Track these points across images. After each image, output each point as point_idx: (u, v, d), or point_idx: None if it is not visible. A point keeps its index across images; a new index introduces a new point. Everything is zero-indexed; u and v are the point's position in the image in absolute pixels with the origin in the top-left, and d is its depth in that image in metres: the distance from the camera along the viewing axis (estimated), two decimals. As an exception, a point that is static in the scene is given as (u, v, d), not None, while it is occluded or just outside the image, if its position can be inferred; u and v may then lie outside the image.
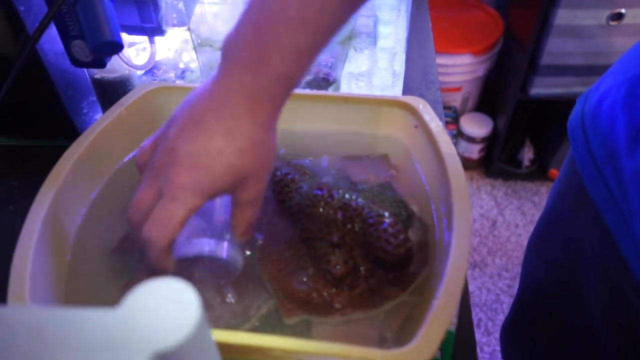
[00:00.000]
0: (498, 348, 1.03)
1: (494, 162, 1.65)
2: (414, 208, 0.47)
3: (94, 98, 0.63)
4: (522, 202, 1.60)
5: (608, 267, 0.52)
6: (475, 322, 1.31)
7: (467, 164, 1.69)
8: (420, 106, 0.49)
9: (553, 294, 0.65)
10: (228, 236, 0.43)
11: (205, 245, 0.42)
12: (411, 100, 0.50)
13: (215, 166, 0.37)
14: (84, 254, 0.46)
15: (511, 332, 0.79)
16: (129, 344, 0.23)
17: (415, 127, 0.50)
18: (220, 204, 0.45)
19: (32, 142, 0.64)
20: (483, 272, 1.42)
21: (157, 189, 0.38)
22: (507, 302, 1.34)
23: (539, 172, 1.67)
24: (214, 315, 0.41)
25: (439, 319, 0.34)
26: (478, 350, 1.26)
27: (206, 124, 0.37)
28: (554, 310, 0.65)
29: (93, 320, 0.24)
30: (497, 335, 1.25)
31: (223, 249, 0.42)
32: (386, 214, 0.42)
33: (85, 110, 0.63)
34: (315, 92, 0.52)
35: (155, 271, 0.40)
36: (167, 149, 0.38)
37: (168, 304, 0.25)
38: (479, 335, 1.29)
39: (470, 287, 1.38)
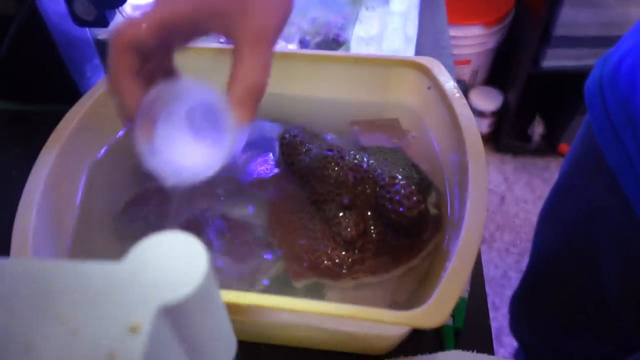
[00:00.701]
0: (505, 324, 1.03)
1: (504, 137, 1.63)
2: (427, 172, 0.46)
3: (98, 62, 0.62)
4: (531, 177, 1.58)
5: (625, 236, 0.51)
6: (482, 297, 1.31)
7: (476, 139, 1.66)
8: (435, 67, 0.48)
9: (566, 266, 0.64)
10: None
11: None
12: (425, 60, 0.48)
13: None
14: (89, 217, 0.45)
15: (520, 306, 0.78)
16: (134, 297, 0.22)
17: (429, 88, 0.48)
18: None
19: (35, 107, 0.63)
20: (491, 248, 1.41)
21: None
22: (514, 278, 1.34)
23: (549, 148, 1.64)
24: (220, 278, 0.40)
25: (452, 281, 0.33)
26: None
27: None
28: (566, 282, 0.64)
29: (97, 272, 0.23)
30: (505, 310, 1.24)
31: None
32: (399, 176, 0.41)
33: (88, 74, 0.61)
34: (325, 52, 0.50)
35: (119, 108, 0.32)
36: None
37: (175, 257, 0.24)
38: (485, 310, 1.29)
39: (478, 262, 1.38)
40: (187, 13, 0.30)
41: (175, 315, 0.23)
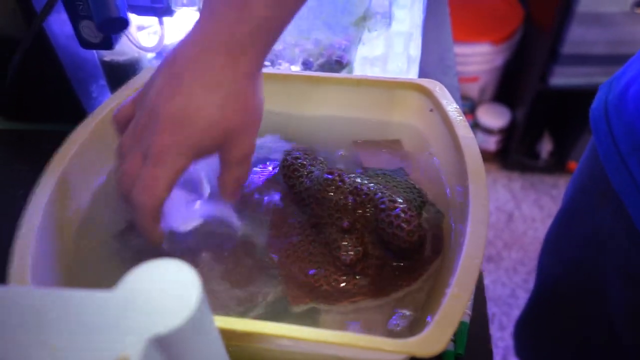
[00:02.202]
0: (511, 343, 1.01)
1: (512, 154, 1.62)
2: (428, 195, 0.46)
3: (104, 82, 0.63)
4: (539, 195, 1.57)
5: (632, 263, 0.50)
6: (489, 316, 1.29)
7: (484, 155, 1.64)
8: (437, 89, 0.48)
9: (571, 292, 0.63)
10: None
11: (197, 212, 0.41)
12: (427, 82, 0.48)
13: (196, 124, 0.35)
14: (90, 237, 0.45)
15: (525, 330, 0.77)
16: (124, 327, 0.22)
17: (431, 110, 0.48)
18: (206, 177, 0.45)
19: (41, 127, 0.63)
20: (498, 266, 1.40)
21: (142, 154, 0.36)
22: (522, 297, 1.32)
23: (557, 165, 1.63)
24: (218, 303, 0.40)
25: (452, 308, 0.33)
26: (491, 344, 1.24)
27: (185, 80, 0.35)
28: (572, 308, 0.63)
29: (89, 302, 0.23)
30: (511, 330, 1.22)
31: (217, 208, 0.42)
32: (399, 199, 0.40)
33: (94, 94, 0.62)
34: (327, 74, 0.51)
35: (149, 242, 0.39)
36: (147, 110, 0.36)
37: (168, 285, 0.24)
38: (492, 330, 1.27)
39: (485, 281, 1.36)
40: (187, 165, 0.37)
41: (166, 346, 0.23)
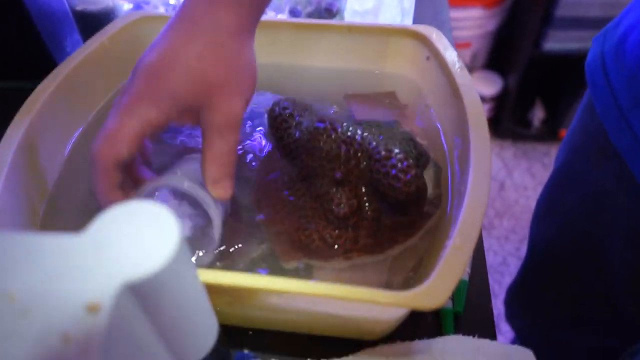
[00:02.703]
0: (503, 310, 1.01)
1: (503, 122, 1.60)
2: (425, 147, 0.43)
3: (78, 36, 0.59)
4: (531, 163, 1.55)
5: (633, 224, 0.48)
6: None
7: (475, 124, 1.63)
8: (434, 35, 0.45)
9: (566, 256, 0.61)
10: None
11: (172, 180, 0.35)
12: (423, 29, 0.45)
13: (172, 71, 0.32)
14: (64, 193, 0.42)
15: (517, 296, 0.76)
16: (94, 273, 0.19)
17: (427, 58, 0.45)
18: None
19: (11, 85, 0.59)
20: (490, 235, 1.39)
21: (117, 111, 0.33)
22: (514, 265, 1.31)
23: (549, 133, 1.61)
24: (195, 260, 0.38)
25: (454, 260, 0.30)
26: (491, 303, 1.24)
27: (166, 32, 0.33)
28: (567, 273, 0.61)
29: (54, 246, 0.20)
30: (503, 297, 1.22)
31: (194, 187, 0.35)
32: (395, 149, 0.38)
33: (68, 49, 0.58)
34: (316, 21, 0.47)
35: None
36: (130, 76, 0.34)
37: (142, 229, 0.21)
38: (484, 298, 1.27)
39: (477, 249, 1.36)
40: (158, 118, 0.32)
41: (142, 294, 0.20)
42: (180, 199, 0.38)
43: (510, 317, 0.80)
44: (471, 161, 0.35)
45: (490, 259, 1.34)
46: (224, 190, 0.35)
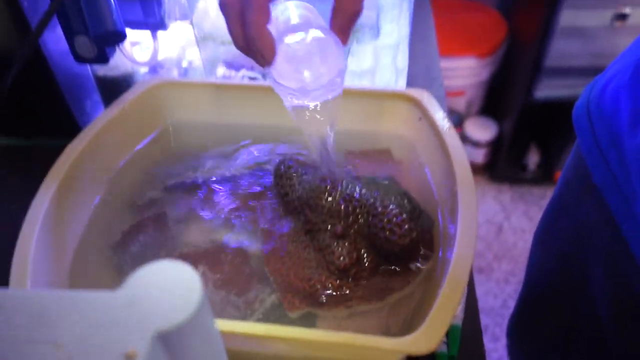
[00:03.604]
0: (505, 354, 1.02)
1: (500, 166, 1.64)
2: (419, 201, 0.47)
3: (97, 97, 0.63)
4: (528, 206, 1.59)
5: (613, 254, 0.52)
6: (482, 326, 1.30)
7: (473, 168, 1.66)
8: (425, 98, 0.49)
9: (559, 285, 0.64)
10: None
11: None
12: (415, 92, 0.50)
13: None
14: (87, 249, 0.45)
15: (517, 327, 0.78)
16: (130, 324, 0.23)
17: (419, 119, 0.50)
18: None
19: (35, 142, 0.64)
20: (489, 278, 1.41)
21: None
22: (513, 308, 1.33)
23: (545, 177, 1.66)
24: (215, 311, 0.41)
25: (444, 307, 0.33)
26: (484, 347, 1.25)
27: None
28: (560, 302, 0.65)
29: (94, 301, 0.24)
30: (505, 341, 1.23)
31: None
32: (391, 205, 0.41)
33: (88, 110, 0.63)
34: (318, 86, 0.52)
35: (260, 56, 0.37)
36: None
37: (170, 285, 0.24)
38: (485, 341, 1.28)
39: (477, 293, 1.37)
40: None
41: (170, 343, 0.23)
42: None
43: (512, 349, 0.82)
44: (459, 214, 0.39)
45: (490, 301, 1.35)
46: (347, 36, 0.39)
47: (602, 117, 0.50)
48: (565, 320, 0.64)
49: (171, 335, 0.23)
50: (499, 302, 1.35)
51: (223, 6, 0.37)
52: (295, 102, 0.41)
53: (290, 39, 0.38)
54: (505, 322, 1.30)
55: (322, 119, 0.42)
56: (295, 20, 0.40)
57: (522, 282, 1.37)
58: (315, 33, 0.38)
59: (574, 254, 0.59)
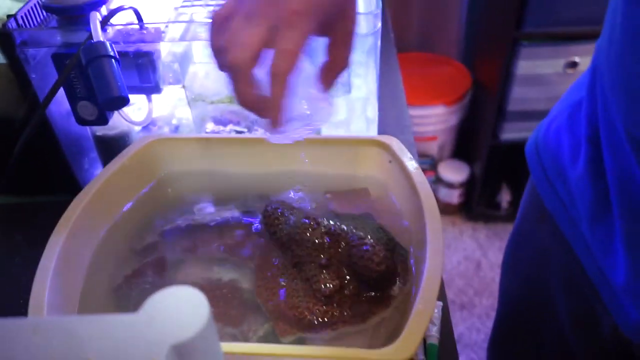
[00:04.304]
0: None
1: (474, 206, 1.72)
2: (393, 234, 0.52)
3: (95, 155, 0.69)
4: (503, 242, 1.64)
5: (570, 273, 0.58)
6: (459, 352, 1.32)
7: (448, 209, 1.75)
8: (394, 143, 0.56)
9: (526, 308, 0.70)
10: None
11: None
12: (385, 138, 0.56)
13: None
14: (92, 291, 0.49)
15: (494, 350, 0.83)
16: (151, 339, 0.27)
17: (390, 162, 0.56)
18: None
19: (36, 199, 0.68)
20: (471, 313, 1.45)
21: (267, 25, 0.37)
22: (497, 341, 1.37)
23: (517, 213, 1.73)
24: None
25: (418, 320, 0.38)
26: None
27: None
28: (529, 323, 0.70)
29: (119, 322, 0.28)
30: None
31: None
32: (367, 236, 0.47)
33: (86, 167, 0.68)
34: (298, 136, 0.58)
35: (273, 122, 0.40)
36: None
37: (181, 306, 0.29)
38: (472, 376, 1.31)
39: (460, 329, 1.41)
40: (316, 27, 0.38)
41: (184, 354, 0.28)
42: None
43: None
44: (427, 243, 0.45)
45: (474, 336, 1.39)
46: (331, 87, 0.43)
47: (547, 153, 0.57)
48: (535, 339, 0.69)
49: (184, 347, 0.28)
50: (482, 336, 1.38)
51: (233, 66, 0.38)
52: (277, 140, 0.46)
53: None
54: (489, 357, 1.34)
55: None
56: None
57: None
58: (308, 88, 0.43)
59: (535, 277, 0.65)
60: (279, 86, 0.38)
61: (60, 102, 0.61)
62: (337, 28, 0.41)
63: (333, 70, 0.42)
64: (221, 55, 0.39)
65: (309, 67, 0.43)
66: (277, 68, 0.38)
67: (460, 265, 1.58)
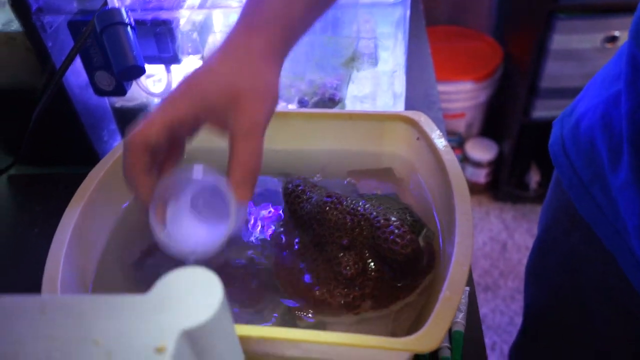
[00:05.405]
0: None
1: (502, 185, 1.67)
2: (419, 215, 0.50)
3: (114, 127, 0.67)
4: (531, 224, 1.61)
5: (610, 286, 0.53)
6: (489, 344, 1.30)
7: (475, 188, 1.71)
8: (422, 119, 0.53)
9: (557, 317, 0.65)
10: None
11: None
12: (412, 114, 0.53)
13: (205, 79, 0.37)
14: (108, 267, 0.48)
15: (519, 356, 0.79)
16: (160, 323, 0.26)
17: (417, 139, 0.53)
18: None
19: (55, 170, 0.68)
20: (495, 295, 1.42)
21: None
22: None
23: (546, 195, 1.68)
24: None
25: (444, 309, 0.36)
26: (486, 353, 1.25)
27: (208, 59, 0.39)
28: (560, 332, 0.65)
29: (127, 303, 0.27)
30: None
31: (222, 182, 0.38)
32: (393, 217, 0.45)
33: (105, 138, 0.67)
34: (321, 110, 0.56)
35: (136, 197, 0.38)
36: None
37: (194, 288, 0.28)
38: (494, 359, 1.28)
39: (484, 310, 1.38)
40: (187, 114, 0.37)
41: (195, 339, 0.26)
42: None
43: None
44: (456, 226, 0.42)
45: (497, 319, 1.36)
46: (246, 192, 0.37)
47: (579, 154, 0.51)
48: (566, 348, 0.64)
49: (196, 332, 0.26)
50: (506, 319, 1.36)
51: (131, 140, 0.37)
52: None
53: (179, 210, 0.41)
54: (512, 339, 1.31)
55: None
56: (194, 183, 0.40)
57: (527, 299, 1.37)
58: (208, 197, 0.40)
59: (567, 287, 0.60)
60: (128, 153, 0.37)
61: (79, 73, 0.60)
62: (232, 126, 0.37)
63: (234, 173, 0.37)
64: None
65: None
66: (128, 136, 0.36)
67: (486, 246, 1.55)
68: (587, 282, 0.56)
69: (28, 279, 0.42)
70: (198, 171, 0.39)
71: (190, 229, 0.41)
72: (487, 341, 1.32)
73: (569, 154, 0.53)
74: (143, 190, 0.38)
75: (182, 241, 0.40)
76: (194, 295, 0.28)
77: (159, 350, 0.25)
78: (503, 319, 1.36)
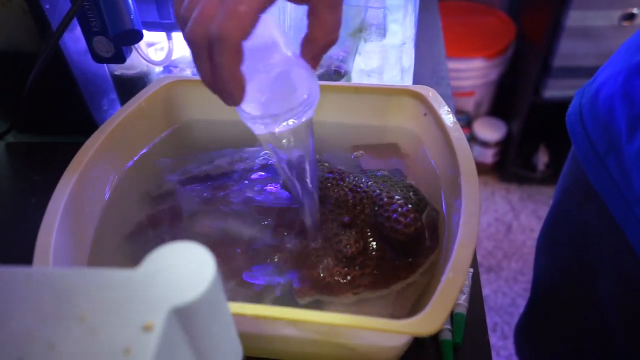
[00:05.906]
0: (514, 351, 1.03)
1: (509, 166, 1.65)
2: (424, 193, 0.48)
3: (114, 96, 0.66)
4: (537, 206, 1.59)
5: (617, 260, 0.52)
6: (491, 326, 1.30)
7: (481, 168, 1.69)
8: (430, 94, 0.51)
9: (565, 292, 0.65)
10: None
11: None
12: (420, 89, 0.51)
13: None
14: (104, 238, 0.47)
15: (525, 333, 0.79)
16: (148, 299, 0.25)
17: (425, 114, 0.51)
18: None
19: (53, 139, 0.66)
20: (499, 276, 1.41)
21: None
22: (523, 306, 1.33)
23: (554, 177, 1.66)
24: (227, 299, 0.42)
25: (447, 291, 0.35)
26: (494, 354, 1.25)
27: None
28: (567, 308, 0.65)
29: (115, 277, 0.25)
30: (513, 339, 1.23)
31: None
32: (396, 196, 0.43)
33: (105, 107, 0.65)
34: (327, 82, 0.54)
35: (224, 82, 0.34)
36: None
37: (185, 264, 0.26)
38: (495, 339, 1.28)
39: (486, 291, 1.38)
40: None
41: (185, 317, 0.25)
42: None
43: (519, 351, 0.83)
44: (463, 206, 0.40)
45: (499, 300, 1.36)
46: (318, 63, 0.37)
47: (596, 124, 0.50)
48: (573, 327, 0.64)
49: (186, 310, 0.25)
50: (508, 300, 1.35)
51: (190, 42, 0.33)
52: (264, 130, 0.39)
53: (259, 66, 0.36)
54: (514, 321, 1.31)
55: (293, 145, 0.40)
56: (261, 39, 0.36)
57: (530, 281, 1.37)
58: (283, 58, 0.36)
59: (577, 260, 0.59)
60: (227, 54, 0.32)
61: (77, 39, 0.58)
62: None
63: (314, 45, 0.35)
64: (201, 21, 0.32)
65: (280, 39, 0.36)
66: (218, 34, 0.31)
67: (491, 227, 1.54)
68: (597, 256, 0.55)
69: (25, 250, 0.41)
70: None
71: (286, 84, 0.38)
72: (489, 322, 1.32)
73: (586, 123, 0.51)
74: (240, 89, 0.34)
75: (293, 90, 0.37)
76: (185, 271, 0.26)
77: (146, 328, 0.24)
78: (505, 300, 1.36)
